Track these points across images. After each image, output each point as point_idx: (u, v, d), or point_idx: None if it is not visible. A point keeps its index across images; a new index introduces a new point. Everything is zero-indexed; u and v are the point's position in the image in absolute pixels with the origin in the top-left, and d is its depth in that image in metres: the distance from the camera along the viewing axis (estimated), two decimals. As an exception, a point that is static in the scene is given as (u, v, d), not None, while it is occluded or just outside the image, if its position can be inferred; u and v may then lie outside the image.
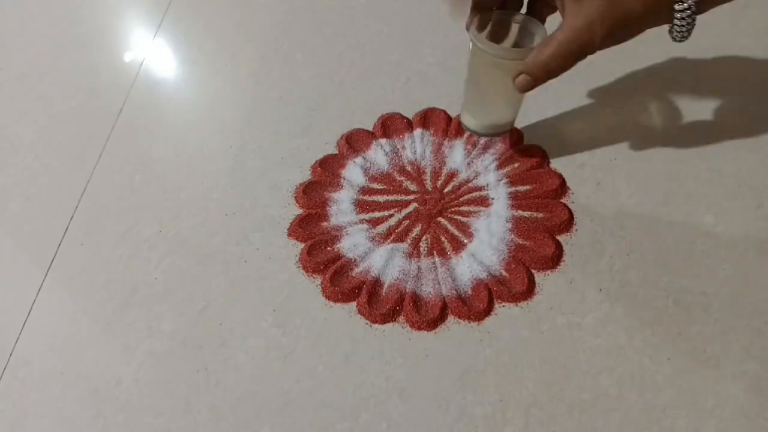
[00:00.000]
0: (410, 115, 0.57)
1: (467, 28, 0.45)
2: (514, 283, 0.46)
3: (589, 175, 0.52)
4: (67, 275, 0.51)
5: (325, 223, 0.51)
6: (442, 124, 0.56)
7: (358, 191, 0.52)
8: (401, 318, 0.46)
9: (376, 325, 0.45)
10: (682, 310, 0.44)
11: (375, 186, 0.53)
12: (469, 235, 0.49)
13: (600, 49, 0.40)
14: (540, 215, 0.49)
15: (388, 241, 0.49)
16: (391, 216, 0.51)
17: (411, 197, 0.52)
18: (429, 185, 0.53)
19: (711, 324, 0.44)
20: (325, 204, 0.52)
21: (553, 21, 0.44)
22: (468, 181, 0.52)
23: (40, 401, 0.44)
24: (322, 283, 0.48)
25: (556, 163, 0.53)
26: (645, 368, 0.42)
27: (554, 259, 0.47)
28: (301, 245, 0.50)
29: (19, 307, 0.49)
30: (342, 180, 0.53)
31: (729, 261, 0.46)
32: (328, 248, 0.49)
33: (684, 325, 0.44)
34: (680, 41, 0.40)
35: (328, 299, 0.47)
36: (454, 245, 0.49)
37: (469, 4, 0.44)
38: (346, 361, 0.44)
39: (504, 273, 0.47)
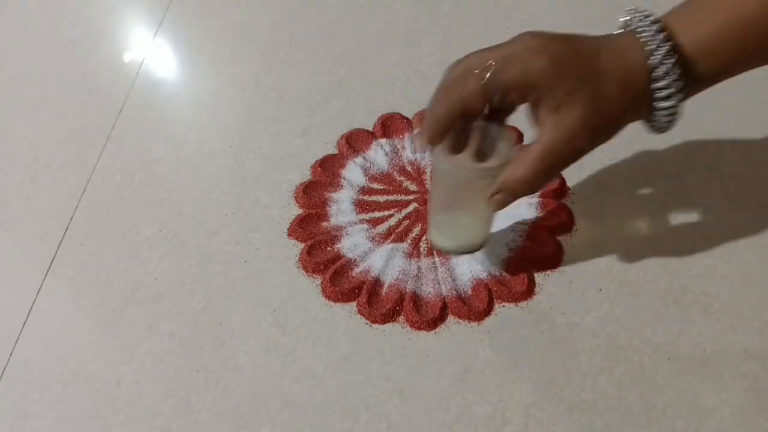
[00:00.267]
0: (410, 115, 0.57)
1: (428, 148, 0.39)
2: (514, 283, 0.46)
3: (589, 175, 0.52)
4: (67, 275, 0.51)
5: (325, 223, 0.51)
6: (442, 124, 0.56)
7: (358, 191, 0.52)
8: (401, 318, 0.45)
9: (376, 325, 0.45)
10: (682, 310, 0.44)
11: (375, 186, 0.53)
12: (469, 235, 0.49)
13: (584, 155, 0.37)
14: (540, 215, 0.49)
15: (388, 241, 0.49)
16: (391, 216, 0.51)
17: (411, 197, 0.52)
18: (429, 185, 0.52)
19: (711, 324, 0.44)
20: (325, 204, 0.52)
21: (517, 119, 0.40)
22: (468, 181, 0.52)
23: (40, 401, 0.44)
24: (322, 283, 0.48)
25: (556, 163, 0.53)
26: (645, 368, 0.42)
27: (554, 259, 0.47)
28: (301, 245, 0.50)
29: (19, 307, 0.49)
30: (342, 180, 0.53)
31: (729, 261, 0.46)
32: (328, 248, 0.49)
33: (684, 325, 0.44)
34: (662, 132, 0.39)
35: (328, 299, 0.47)
36: (454, 245, 0.49)
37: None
38: (346, 361, 0.44)
39: (504, 273, 0.47)
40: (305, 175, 0.54)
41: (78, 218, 0.54)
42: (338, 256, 0.49)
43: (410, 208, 0.51)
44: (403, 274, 0.47)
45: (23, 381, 0.45)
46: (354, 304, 0.46)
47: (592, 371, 0.42)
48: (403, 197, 0.52)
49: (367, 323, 0.45)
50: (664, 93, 0.35)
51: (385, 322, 0.45)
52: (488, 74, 0.35)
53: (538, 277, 0.47)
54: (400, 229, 0.50)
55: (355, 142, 0.56)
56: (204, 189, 0.55)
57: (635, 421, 0.40)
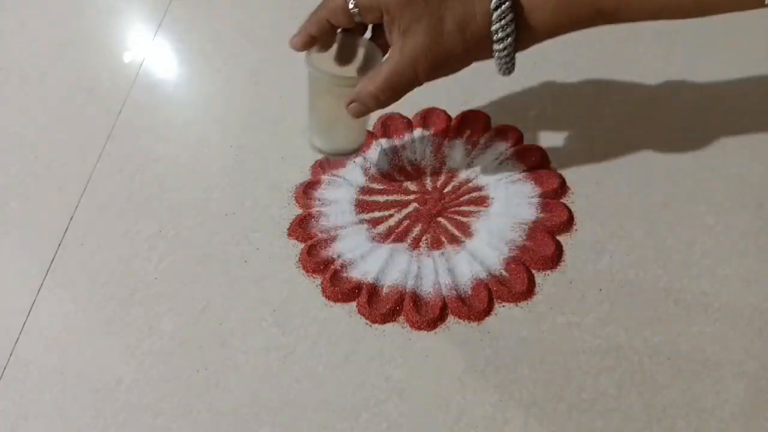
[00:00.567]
0: (410, 115, 0.57)
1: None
2: (514, 283, 0.46)
3: (589, 175, 0.52)
4: (67, 275, 0.51)
5: (325, 223, 0.51)
6: (442, 124, 0.56)
7: (358, 191, 0.52)
8: (401, 318, 0.45)
9: (376, 325, 0.45)
10: (682, 310, 0.44)
11: (375, 186, 0.53)
12: (469, 235, 0.49)
13: (426, 81, 0.42)
14: (540, 215, 0.49)
15: (388, 241, 0.49)
16: (391, 216, 0.51)
17: (411, 197, 0.52)
18: (429, 185, 0.53)
19: (711, 324, 0.44)
20: (325, 204, 0.52)
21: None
22: (468, 180, 0.52)
23: (40, 401, 0.44)
24: (322, 283, 0.48)
25: (556, 163, 0.53)
26: (645, 368, 0.42)
27: (554, 259, 0.47)
28: (301, 245, 0.50)
29: (19, 307, 0.49)
30: (342, 180, 0.53)
31: (729, 261, 0.46)
32: (328, 248, 0.49)
33: (684, 325, 0.44)
34: (505, 75, 0.43)
35: (328, 299, 0.47)
36: (454, 245, 0.49)
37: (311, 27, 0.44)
38: (346, 361, 0.44)
39: (504, 273, 0.47)
40: (305, 175, 0.54)
41: (78, 218, 0.54)
42: (338, 256, 0.49)
43: (410, 208, 0.51)
44: (403, 274, 0.47)
45: (23, 381, 0.45)
46: (354, 304, 0.46)
47: (592, 371, 0.42)
48: (403, 197, 0.52)
49: (367, 323, 0.45)
50: (498, 36, 0.40)
51: (385, 322, 0.45)
52: None
53: (538, 277, 0.47)
54: (400, 229, 0.50)
55: (355, 142, 0.56)
56: (204, 189, 0.55)
57: (635, 421, 0.40)
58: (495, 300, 0.46)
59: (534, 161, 0.52)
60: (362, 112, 0.44)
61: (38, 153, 0.59)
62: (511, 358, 0.43)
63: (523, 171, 0.52)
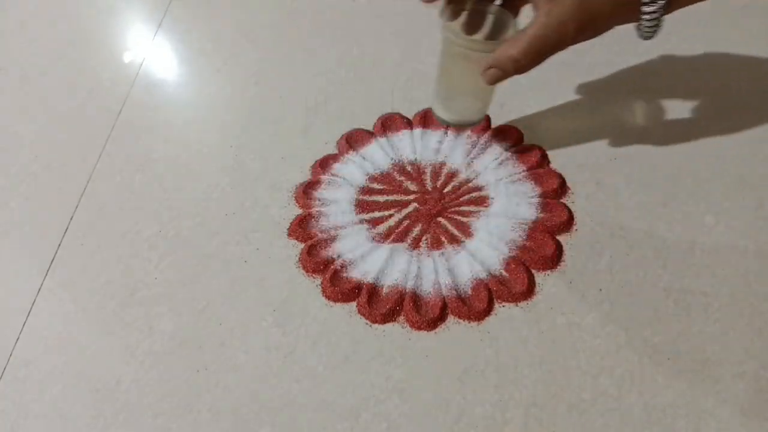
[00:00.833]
0: (410, 115, 0.57)
1: (440, 17, 0.45)
2: (514, 283, 0.46)
3: (589, 175, 0.52)
4: (67, 275, 0.51)
5: (325, 223, 0.51)
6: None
7: (358, 191, 0.52)
8: (401, 318, 0.46)
9: (376, 325, 0.45)
10: (682, 310, 0.44)
11: (375, 186, 0.53)
12: (469, 235, 0.49)
13: (570, 45, 0.41)
14: (540, 215, 0.49)
15: (388, 241, 0.49)
16: (391, 216, 0.51)
17: (411, 197, 0.52)
18: (429, 185, 0.53)
19: (711, 324, 0.44)
20: (325, 204, 0.52)
21: (528, 13, 0.44)
22: (468, 180, 0.52)
23: (40, 401, 0.44)
24: (322, 283, 0.48)
25: (556, 163, 0.53)
26: (645, 368, 0.42)
27: (554, 259, 0.47)
28: (301, 245, 0.50)
29: (19, 307, 0.49)
30: (342, 180, 0.53)
31: (729, 261, 0.46)
32: (328, 248, 0.49)
33: (684, 325, 0.44)
34: (647, 39, 0.42)
35: (328, 299, 0.47)
36: (454, 245, 0.49)
37: None
38: (346, 361, 0.44)
39: (504, 273, 0.47)
40: (305, 175, 0.54)
41: (78, 218, 0.54)
42: (338, 256, 0.49)
43: (410, 208, 0.51)
44: (403, 274, 0.47)
45: (23, 381, 0.45)
46: (354, 304, 0.46)
47: (592, 371, 0.42)
48: (403, 197, 0.52)
49: (367, 323, 0.45)
50: None
51: (385, 322, 0.45)
52: None
53: (538, 277, 0.47)
54: (400, 229, 0.50)
55: (355, 141, 0.56)
56: (204, 189, 0.55)
57: (635, 421, 0.40)
58: (495, 300, 0.46)
59: (534, 161, 0.52)
60: (500, 78, 0.43)
61: (38, 153, 0.59)
62: (511, 358, 0.43)
63: (523, 171, 0.52)
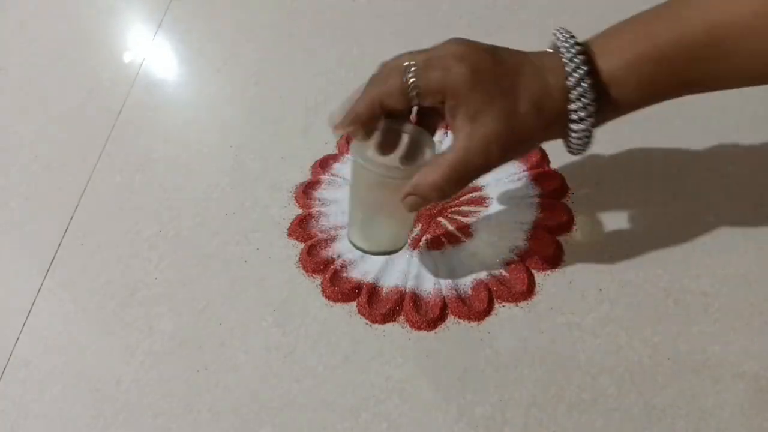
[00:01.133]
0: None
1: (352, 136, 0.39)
2: (514, 283, 0.46)
3: (589, 175, 0.52)
4: (67, 275, 0.51)
5: (325, 223, 0.51)
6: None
7: (358, 191, 0.52)
8: (401, 318, 0.45)
9: (376, 325, 0.45)
10: (682, 310, 0.44)
11: (375, 186, 0.53)
12: (469, 235, 0.49)
13: (496, 167, 0.37)
14: (540, 215, 0.49)
15: (388, 241, 0.49)
16: (391, 216, 0.51)
17: (411, 197, 0.52)
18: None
19: (711, 324, 0.44)
20: (325, 204, 0.52)
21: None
22: (468, 181, 0.52)
23: (40, 401, 0.44)
24: (322, 283, 0.48)
25: (556, 163, 0.53)
26: (645, 368, 0.42)
27: (554, 259, 0.47)
28: (301, 245, 0.50)
29: (19, 307, 0.49)
30: (342, 180, 0.53)
31: (729, 261, 0.46)
32: (328, 248, 0.49)
33: (684, 325, 0.44)
34: (577, 155, 0.39)
35: (328, 299, 0.47)
36: (454, 245, 0.49)
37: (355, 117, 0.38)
38: (346, 361, 0.44)
39: (504, 273, 0.47)
40: (305, 175, 0.54)
41: (78, 218, 0.54)
42: (338, 256, 0.49)
43: (410, 208, 0.51)
44: (402, 274, 0.47)
45: (23, 381, 0.45)
46: (354, 304, 0.46)
47: (592, 371, 0.42)
48: (403, 197, 0.52)
49: (367, 323, 0.45)
50: (577, 116, 0.35)
51: (385, 322, 0.45)
52: (410, 74, 0.35)
53: (538, 277, 0.47)
54: (400, 229, 0.50)
55: (355, 142, 0.56)
56: (204, 189, 0.55)
57: (635, 421, 0.40)
58: (495, 300, 0.46)
59: (534, 161, 0.52)
60: (420, 206, 0.39)
61: (38, 153, 0.59)
62: (511, 358, 0.43)
63: (523, 171, 0.52)
